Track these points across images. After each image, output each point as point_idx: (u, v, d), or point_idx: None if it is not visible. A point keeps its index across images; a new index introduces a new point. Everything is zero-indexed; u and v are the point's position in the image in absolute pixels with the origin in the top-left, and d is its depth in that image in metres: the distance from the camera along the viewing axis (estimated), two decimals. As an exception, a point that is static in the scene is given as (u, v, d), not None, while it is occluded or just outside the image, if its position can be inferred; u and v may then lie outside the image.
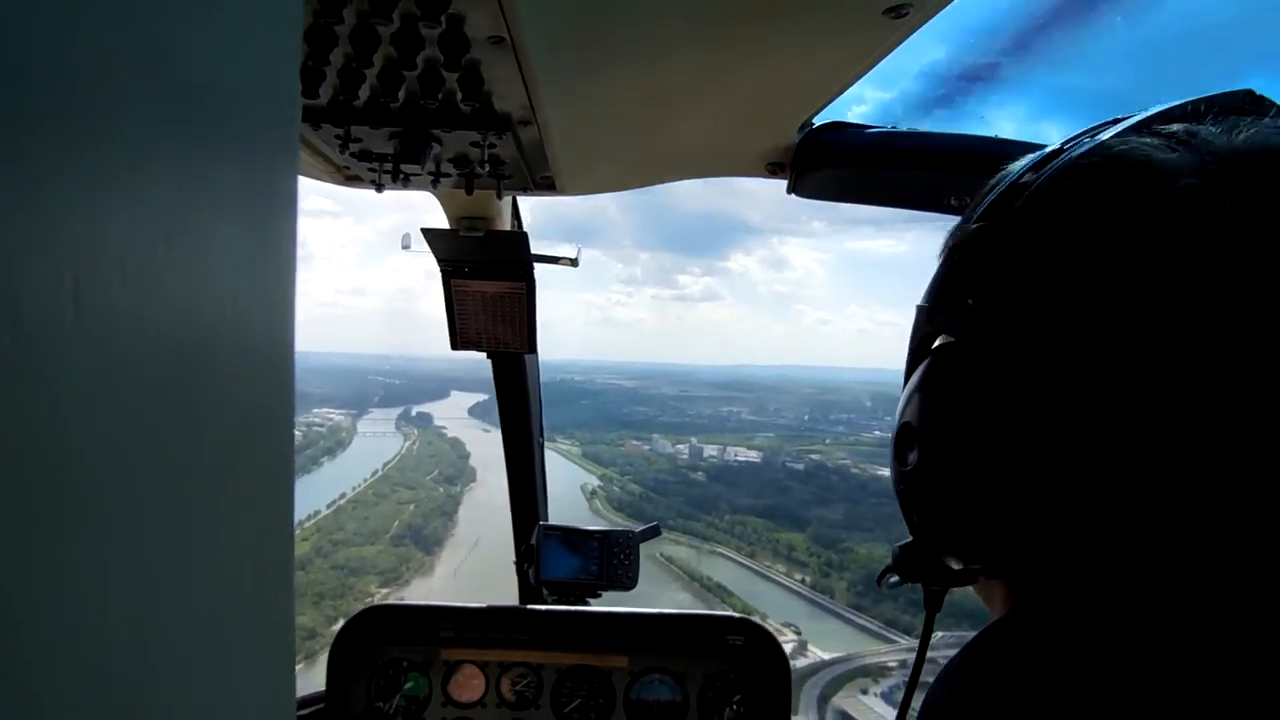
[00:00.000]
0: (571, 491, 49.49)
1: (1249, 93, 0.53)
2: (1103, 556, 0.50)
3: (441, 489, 50.27)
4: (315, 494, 44.95)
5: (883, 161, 1.30)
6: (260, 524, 0.32)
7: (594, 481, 53.83)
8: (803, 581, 36.68)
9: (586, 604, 2.06)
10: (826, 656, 29.20)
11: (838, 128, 1.31)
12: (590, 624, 1.92)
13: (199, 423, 0.27)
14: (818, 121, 1.29)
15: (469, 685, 1.90)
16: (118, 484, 0.24)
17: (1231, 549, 0.46)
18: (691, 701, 1.87)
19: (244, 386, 0.30)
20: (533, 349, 1.98)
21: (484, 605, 1.96)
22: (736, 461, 52.36)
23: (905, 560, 0.64)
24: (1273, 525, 0.45)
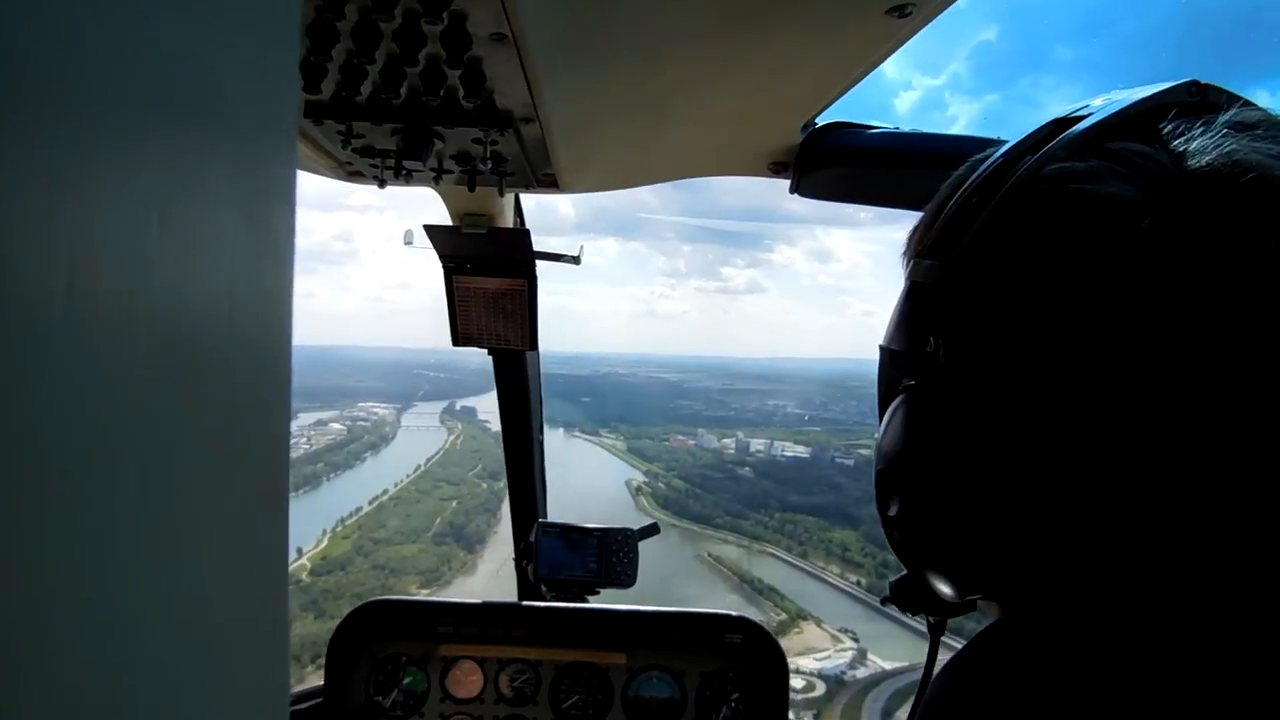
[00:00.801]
0: (616, 488, 48.67)
1: (1194, 83, 0.51)
2: (1083, 574, 0.51)
3: (485, 484, 48.58)
4: (359, 490, 44.35)
5: (886, 162, 1.29)
6: (254, 520, 0.32)
7: (639, 477, 52.27)
8: (858, 584, 34.53)
9: (585, 601, 2.06)
10: (889, 666, 26.78)
11: (841, 128, 1.31)
12: (588, 621, 1.92)
13: (193, 419, 0.27)
14: (821, 121, 1.29)
15: (467, 681, 1.90)
16: (109, 478, 0.23)
17: (1203, 561, 0.47)
18: (689, 699, 1.87)
19: (240, 382, 0.30)
20: (534, 346, 1.98)
21: (482, 601, 1.97)
22: (784, 457, 50.46)
23: (902, 593, 0.66)
24: (1235, 538, 0.46)
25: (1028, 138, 0.54)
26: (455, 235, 1.72)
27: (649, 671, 1.89)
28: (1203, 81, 0.51)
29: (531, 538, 2.10)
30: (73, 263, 0.21)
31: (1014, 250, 0.51)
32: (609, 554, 2.09)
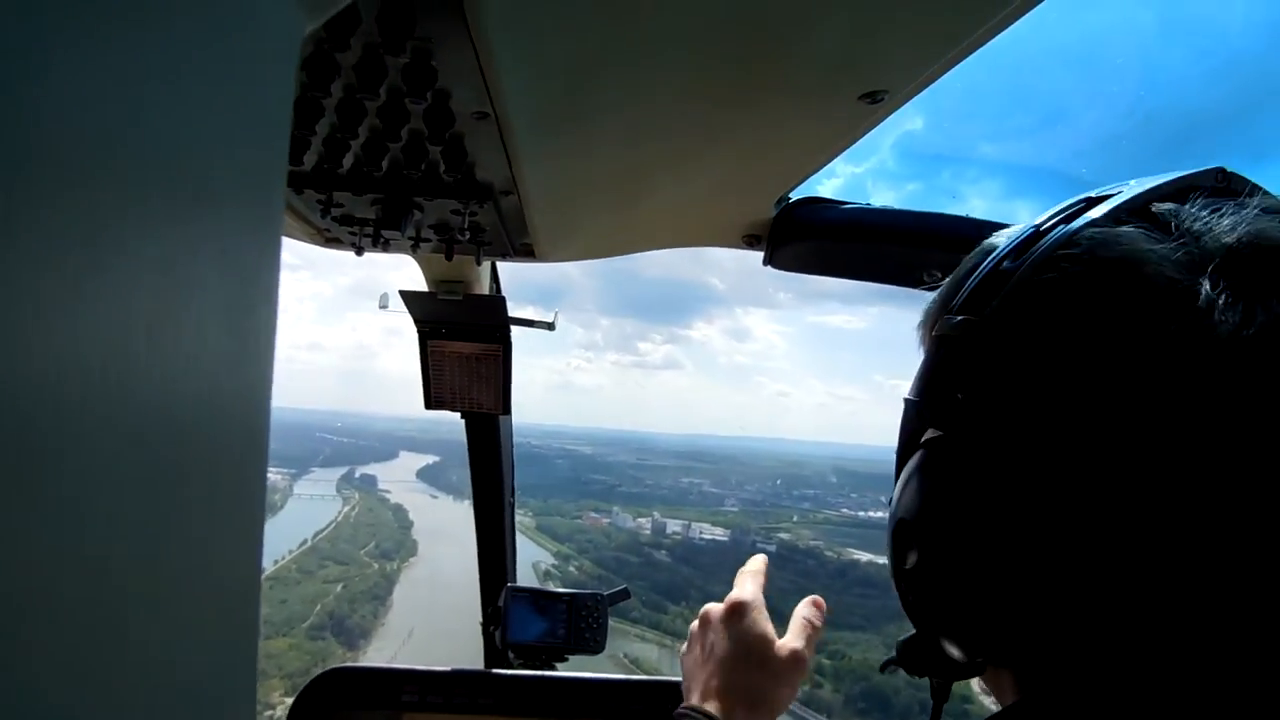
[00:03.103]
0: (523, 571, 45.48)
1: (1220, 170, 0.54)
2: (1106, 642, 0.50)
3: (376, 565, 45.36)
4: (230, 570, 41.37)
5: (857, 237, 1.33)
6: (228, 590, 0.31)
7: (548, 559, 49.09)
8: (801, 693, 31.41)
9: (554, 668, 2.01)
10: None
11: (813, 203, 1.34)
12: (556, 689, 1.87)
13: (173, 489, 0.27)
14: (794, 196, 1.32)
15: None
16: (92, 546, 0.23)
17: (1229, 632, 0.46)
18: None
19: (219, 448, 0.30)
20: (506, 410, 1.97)
21: (449, 669, 1.91)
22: (702, 540, 48.90)
23: (909, 654, 0.63)
24: (1262, 609, 0.45)
25: (1059, 210, 0.56)
26: (431, 301, 1.72)
27: None
28: (1228, 169, 0.54)
29: (500, 602, 2.06)
30: (61, 338, 0.21)
31: (1047, 308, 0.52)
32: (578, 620, 2.04)
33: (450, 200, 1.09)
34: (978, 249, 0.61)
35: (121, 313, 0.24)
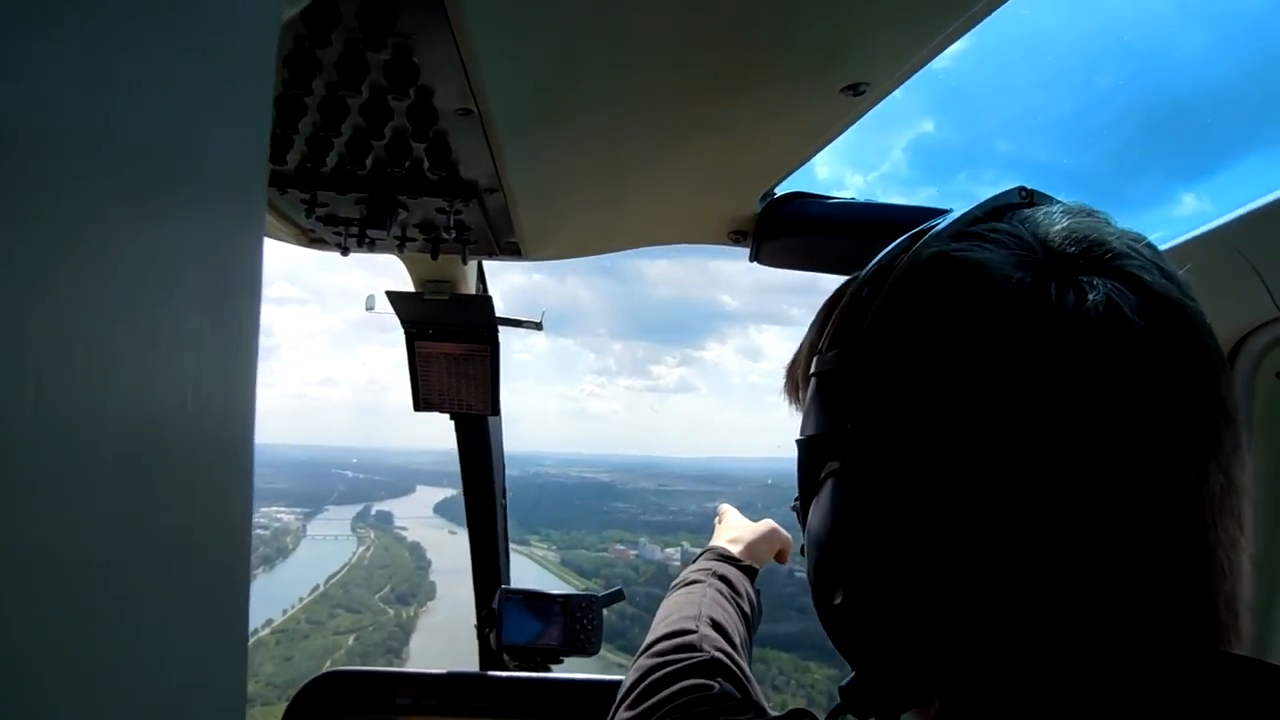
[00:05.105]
0: None
1: (1022, 188, 0.59)
2: (1000, 649, 0.50)
3: (392, 611, 42.66)
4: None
5: (844, 231, 1.33)
6: (213, 612, 0.31)
7: None
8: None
9: (549, 670, 2.01)
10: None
11: (798, 197, 1.34)
12: (551, 692, 1.87)
13: (152, 515, 0.27)
14: (779, 191, 1.33)
15: None
16: (66, 580, 0.23)
17: (1120, 632, 0.47)
18: None
19: (200, 474, 0.30)
20: (496, 411, 1.97)
21: (444, 671, 1.91)
22: None
23: (853, 697, 0.60)
24: (1154, 607, 0.47)
25: (897, 243, 0.61)
26: (418, 301, 1.72)
27: None
28: (1028, 187, 0.60)
29: (494, 604, 2.06)
30: (39, 352, 0.21)
31: (909, 323, 0.54)
32: (572, 621, 2.04)
33: (435, 198, 1.09)
34: (833, 294, 0.67)
35: (99, 314, 0.24)
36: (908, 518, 0.52)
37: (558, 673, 1.99)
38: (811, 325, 0.68)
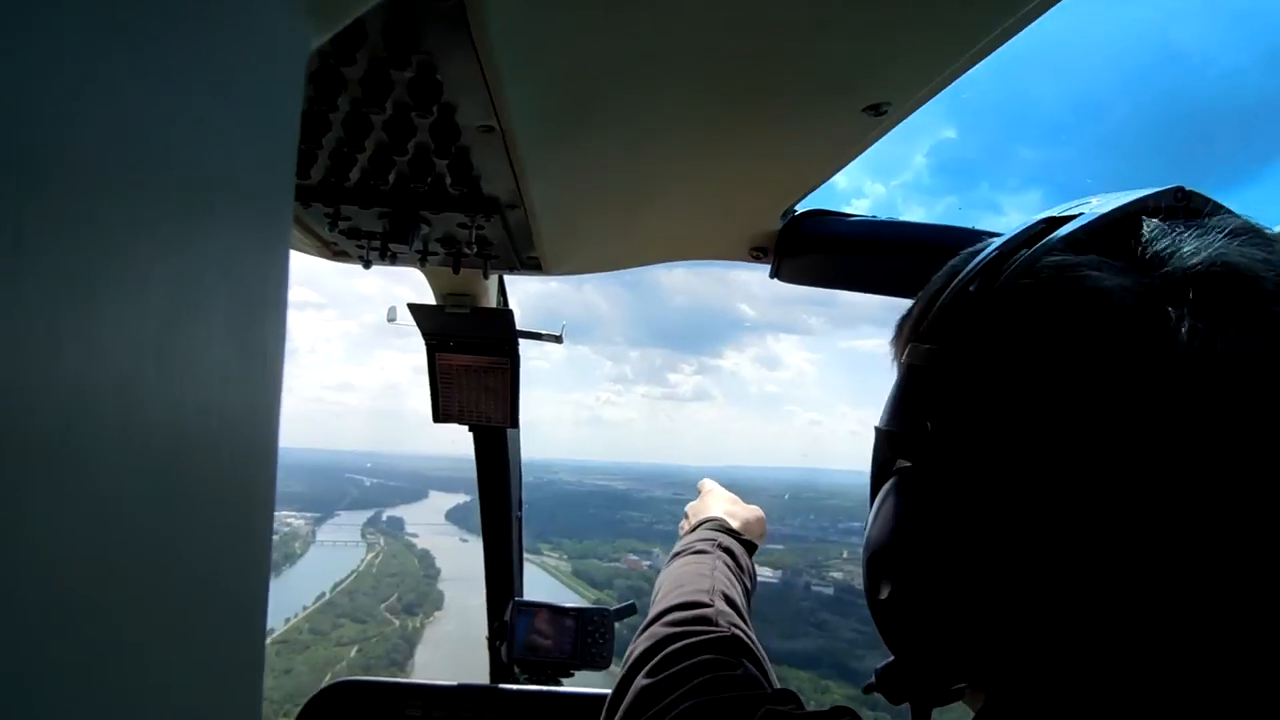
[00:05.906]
0: None
1: (1180, 189, 0.53)
2: (1070, 664, 0.50)
3: (397, 622, 41.17)
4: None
5: (865, 249, 1.32)
6: (236, 603, 0.31)
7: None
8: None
9: (559, 684, 2.00)
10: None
11: (820, 215, 1.34)
12: (562, 705, 1.87)
13: (176, 528, 0.27)
14: (800, 209, 1.33)
15: None
16: (91, 592, 0.23)
17: (1189, 655, 0.46)
18: None
19: (227, 463, 0.30)
20: (515, 424, 1.98)
21: (455, 684, 1.91)
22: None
23: (888, 681, 0.62)
24: (1225, 630, 0.45)
25: (1021, 232, 0.56)
26: (439, 314, 1.73)
27: None
28: (1187, 188, 0.53)
29: (506, 616, 2.05)
30: (68, 362, 0.21)
31: (1010, 338, 0.52)
32: (584, 635, 2.04)
33: (457, 214, 1.10)
34: (946, 267, 0.61)
35: (129, 328, 0.24)
36: (974, 530, 0.51)
37: (568, 686, 1.98)
38: (917, 301, 0.62)
